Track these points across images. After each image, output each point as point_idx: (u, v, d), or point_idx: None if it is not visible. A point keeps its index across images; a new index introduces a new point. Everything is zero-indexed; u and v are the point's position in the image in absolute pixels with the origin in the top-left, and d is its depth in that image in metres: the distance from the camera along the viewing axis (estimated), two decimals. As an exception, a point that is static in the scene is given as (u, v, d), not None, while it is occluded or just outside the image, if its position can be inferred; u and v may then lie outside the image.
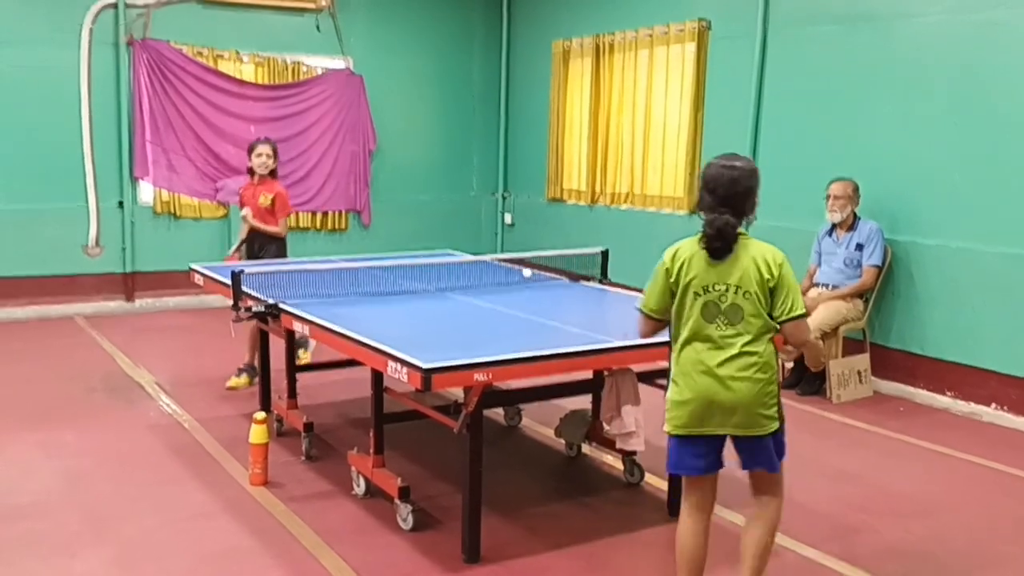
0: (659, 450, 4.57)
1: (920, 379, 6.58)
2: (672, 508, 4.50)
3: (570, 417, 5.14)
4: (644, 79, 8.81)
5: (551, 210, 10.14)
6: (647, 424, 4.37)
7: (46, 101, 8.61)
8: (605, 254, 5.73)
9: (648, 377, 4.48)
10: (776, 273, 3.24)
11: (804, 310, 3.29)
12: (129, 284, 9.11)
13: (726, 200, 3.25)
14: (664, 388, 4.40)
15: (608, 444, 4.81)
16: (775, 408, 3.32)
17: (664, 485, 4.60)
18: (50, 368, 7.01)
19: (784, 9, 7.48)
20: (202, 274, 5.78)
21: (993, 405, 6.15)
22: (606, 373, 4.42)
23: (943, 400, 6.42)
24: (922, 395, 6.55)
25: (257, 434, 4.70)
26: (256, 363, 6.10)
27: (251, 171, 6.54)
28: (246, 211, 6.47)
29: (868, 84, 6.84)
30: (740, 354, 3.24)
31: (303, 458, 5.13)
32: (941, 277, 6.42)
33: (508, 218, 10.86)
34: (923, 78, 6.48)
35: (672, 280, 3.31)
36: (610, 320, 4.96)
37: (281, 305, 4.72)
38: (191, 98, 9.12)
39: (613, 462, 5.10)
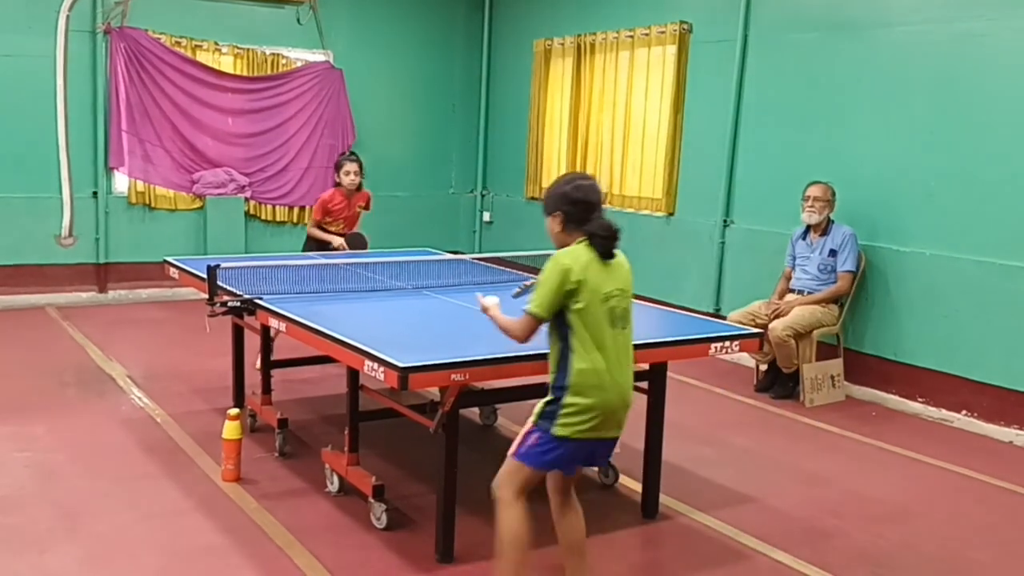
0: (635, 452, 4.59)
1: (892, 384, 6.63)
2: (646, 509, 4.51)
3: (546, 417, 5.12)
4: (624, 80, 8.82)
5: (530, 209, 10.13)
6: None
7: (20, 89, 8.50)
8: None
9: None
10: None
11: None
12: (102, 275, 9.01)
13: (598, 207, 3.34)
14: (644, 392, 4.40)
15: (583, 445, 4.80)
16: None
17: (639, 487, 4.60)
18: (21, 359, 6.92)
19: (766, 15, 7.51)
20: (177, 267, 5.73)
21: (964, 412, 6.21)
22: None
23: (915, 406, 6.48)
24: (894, 400, 6.60)
25: (230, 430, 4.66)
26: None
27: (338, 184, 6.93)
28: (339, 242, 6.94)
29: (847, 91, 6.89)
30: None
31: (276, 455, 5.09)
32: (916, 284, 6.47)
33: (486, 216, 10.85)
34: (902, 86, 6.54)
35: (573, 284, 3.16)
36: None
37: (257, 300, 4.69)
38: (168, 88, 9.04)
39: (588, 463, 5.10)
